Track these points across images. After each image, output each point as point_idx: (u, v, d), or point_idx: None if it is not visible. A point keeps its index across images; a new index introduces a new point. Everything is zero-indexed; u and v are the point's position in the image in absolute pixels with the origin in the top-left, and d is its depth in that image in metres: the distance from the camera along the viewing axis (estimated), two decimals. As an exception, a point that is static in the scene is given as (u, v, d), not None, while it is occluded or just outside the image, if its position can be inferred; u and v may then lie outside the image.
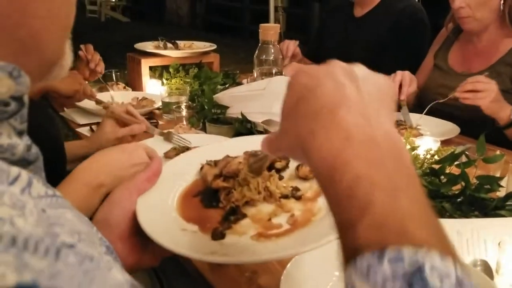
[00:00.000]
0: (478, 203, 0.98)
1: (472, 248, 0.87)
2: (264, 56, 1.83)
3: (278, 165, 0.76)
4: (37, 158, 0.41)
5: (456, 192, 1.01)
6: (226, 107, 1.56)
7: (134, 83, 2.17)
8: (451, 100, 1.54)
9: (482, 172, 1.08)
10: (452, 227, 0.89)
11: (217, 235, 0.59)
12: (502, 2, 1.61)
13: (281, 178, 0.74)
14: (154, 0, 11.82)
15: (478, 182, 1.00)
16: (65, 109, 1.82)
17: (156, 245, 0.56)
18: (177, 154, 1.28)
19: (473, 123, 1.54)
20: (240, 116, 1.47)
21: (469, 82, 1.48)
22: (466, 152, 1.05)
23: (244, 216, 0.65)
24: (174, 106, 1.71)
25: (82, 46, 1.91)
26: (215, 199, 0.69)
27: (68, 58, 0.43)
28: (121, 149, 0.94)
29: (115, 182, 0.94)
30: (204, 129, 1.60)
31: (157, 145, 1.30)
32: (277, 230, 0.61)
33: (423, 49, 1.99)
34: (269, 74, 1.72)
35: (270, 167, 0.74)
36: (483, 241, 0.88)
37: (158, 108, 1.86)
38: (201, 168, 0.75)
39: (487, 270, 0.83)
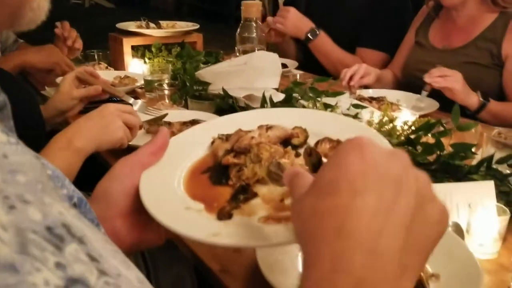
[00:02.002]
0: (452, 170, 1.00)
1: (445, 211, 0.89)
2: (246, 34, 1.82)
3: (295, 141, 0.69)
4: (4, 106, 0.41)
5: (432, 161, 1.03)
6: (208, 84, 1.56)
7: (116, 63, 2.16)
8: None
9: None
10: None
11: (224, 215, 0.54)
12: None
13: (298, 155, 0.67)
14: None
15: (453, 150, 1.02)
16: (46, 87, 1.80)
17: (160, 224, 0.52)
18: (159, 125, 1.28)
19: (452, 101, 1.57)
20: (221, 92, 1.47)
21: (435, 69, 1.51)
22: (441, 122, 1.07)
23: (255, 195, 0.58)
24: (156, 84, 1.70)
25: (58, 24, 1.89)
26: (225, 176, 0.63)
27: (42, 8, 0.41)
28: (98, 113, 0.96)
29: (92, 146, 0.96)
30: (186, 106, 1.60)
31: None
32: (289, 213, 0.53)
33: (405, 25, 2.01)
34: (252, 52, 1.72)
35: (286, 143, 0.68)
36: (455, 205, 0.90)
37: (141, 87, 1.86)
38: (212, 142, 0.69)
39: (458, 231, 0.86)
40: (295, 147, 0.67)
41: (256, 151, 0.63)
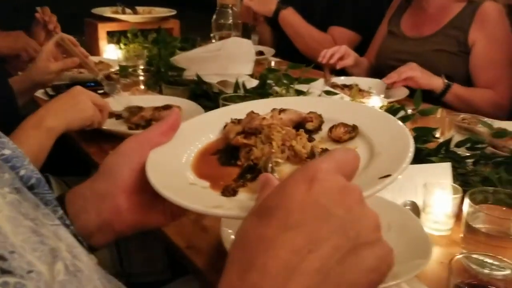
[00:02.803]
0: (415, 152, 1.04)
1: (404, 191, 0.94)
2: (222, 20, 1.84)
3: (309, 125, 0.68)
4: None
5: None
6: (183, 69, 1.57)
7: (91, 49, 2.14)
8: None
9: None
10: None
11: (228, 192, 0.54)
12: None
13: (311, 140, 0.66)
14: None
15: (415, 134, 1.06)
16: (19, 73, 1.79)
17: (167, 205, 0.53)
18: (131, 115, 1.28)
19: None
20: (196, 78, 1.49)
21: (392, 72, 1.60)
22: (404, 107, 1.11)
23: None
24: (131, 70, 1.71)
25: (38, 9, 1.88)
26: (234, 157, 0.62)
27: None
28: (67, 94, 0.99)
29: (63, 124, 0.99)
30: (161, 92, 1.61)
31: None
32: None
33: (380, 11, 2.07)
34: (227, 39, 1.74)
35: (299, 127, 0.67)
36: (414, 185, 0.94)
37: (115, 73, 1.85)
38: (225, 127, 0.68)
39: (415, 209, 0.90)
40: (309, 132, 0.67)
41: (267, 132, 0.63)
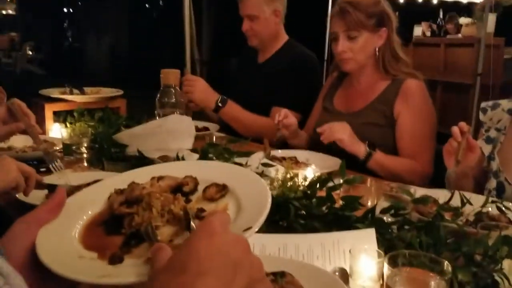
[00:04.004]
0: (342, 220, 1.09)
1: (333, 258, 0.97)
2: (166, 99, 1.91)
3: (186, 188, 0.77)
4: None
5: (326, 212, 1.12)
6: (125, 146, 1.61)
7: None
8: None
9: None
10: (317, 240, 0.99)
11: (115, 260, 0.58)
12: (377, 49, 1.86)
13: (188, 201, 0.74)
14: (72, 55, 11.78)
15: (343, 202, 1.12)
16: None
17: (60, 279, 0.55)
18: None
19: (356, 159, 1.71)
20: (137, 154, 1.52)
21: (326, 125, 1.72)
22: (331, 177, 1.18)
23: (144, 240, 0.63)
24: (74, 147, 1.72)
25: None
26: (119, 226, 0.67)
27: None
28: None
29: None
30: (103, 169, 1.62)
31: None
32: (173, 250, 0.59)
33: (314, 90, 2.21)
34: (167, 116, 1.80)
35: (177, 190, 0.75)
36: (342, 251, 0.98)
37: (60, 151, 1.86)
38: (109, 198, 0.74)
39: (344, 276, 0.93)
40: (186, 194, 0.75)
41: (147, 200, 0.69)
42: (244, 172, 0.81)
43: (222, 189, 0.74)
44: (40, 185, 1.26)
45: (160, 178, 0.77)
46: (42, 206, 0.64)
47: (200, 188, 0.77)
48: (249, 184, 0.72)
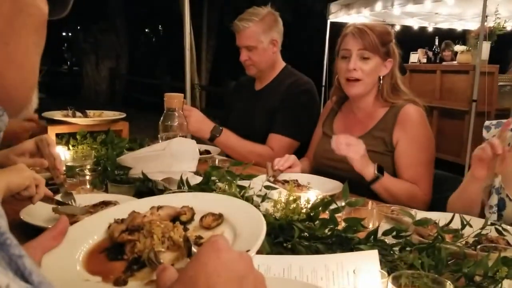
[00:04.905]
0: (345, 241, 1.11)
1: (337, 279, 0.99)
2: (169, 122, 1.95)
3: (184, 217, 0.83)
4: None
5: (329, 234, 1.14)
6: (129, 168, 1.63)
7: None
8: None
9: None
10: (320, 261, 1.01)
11: (120, 282, 0.63)
12: (381, 78, 1.90)
13: (186, 229, 0.80)
14: (71, 76, 11.87)
15: (346, 224, 1.14)
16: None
17: None
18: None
19: (356, 182, 1.73)
20: (141, 176, 1.54)
21: (343, 136, 1.72)
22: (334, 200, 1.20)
23: (145, 265, 0.67)
24: (77, 170, 1.74)
25: None
26: (121, 252, 0.72)
27: (33, 104, 0.52)
28: (12, 168, 1.16)
29: (3, 184, 1.10)
30: (106, 191, 1.64)
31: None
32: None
33: (314, 117, 2.24)
34: (171, 139, 1.83)
35: (175, 220, 0.82)
36: (346, 272, 1.00)
37: (63, 174, 1.88)
38: (109, 227, 0.79)
39: (348, 296, 0.95)
40: (184, 223, 0.82)
41: (148, 227, 0.75)
42: (238, 203, 0.89)
43: (218, 218, 0.81)
44: (48, 199, 1.28)
45: (159, 207, 0.84)
46: (46, 233, 0.68)
47: (197, 218, 0.84)
48: (243, 213, 0.79)
